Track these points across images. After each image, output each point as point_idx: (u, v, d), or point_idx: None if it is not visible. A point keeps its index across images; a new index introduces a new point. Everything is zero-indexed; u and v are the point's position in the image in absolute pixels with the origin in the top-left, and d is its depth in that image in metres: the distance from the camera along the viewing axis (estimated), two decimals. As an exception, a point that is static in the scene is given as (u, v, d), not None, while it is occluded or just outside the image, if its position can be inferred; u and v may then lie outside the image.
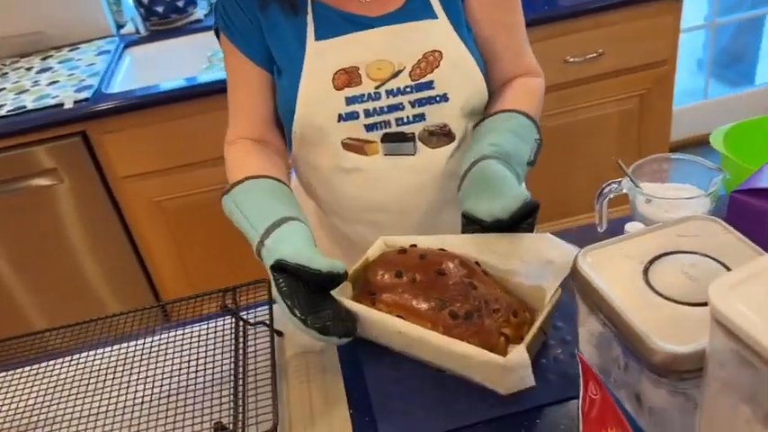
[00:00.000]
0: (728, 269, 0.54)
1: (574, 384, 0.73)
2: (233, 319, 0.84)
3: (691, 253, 0.56)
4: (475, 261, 0.80)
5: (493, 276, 0.79)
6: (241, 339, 0.82)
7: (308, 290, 0.73)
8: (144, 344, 0.84)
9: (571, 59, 1.81)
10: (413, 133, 0.92)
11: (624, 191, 0.88)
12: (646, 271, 0.55)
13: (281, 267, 0.72)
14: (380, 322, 0.77)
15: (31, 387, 0.82)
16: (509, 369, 0.68)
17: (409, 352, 0.78)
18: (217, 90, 1.67)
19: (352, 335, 0.75)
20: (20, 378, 0.84)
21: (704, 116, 2.64)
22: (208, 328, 0.84)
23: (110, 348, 0.85)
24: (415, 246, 0.84)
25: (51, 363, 0.85)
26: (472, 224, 0.81)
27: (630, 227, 0.80)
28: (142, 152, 1.75)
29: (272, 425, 0.66)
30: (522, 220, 0.78)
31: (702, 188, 0.88)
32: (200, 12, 2.10)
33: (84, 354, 0.85)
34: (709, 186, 0.86)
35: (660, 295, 0.52)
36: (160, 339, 0.84)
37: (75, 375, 0.82)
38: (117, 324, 0.86)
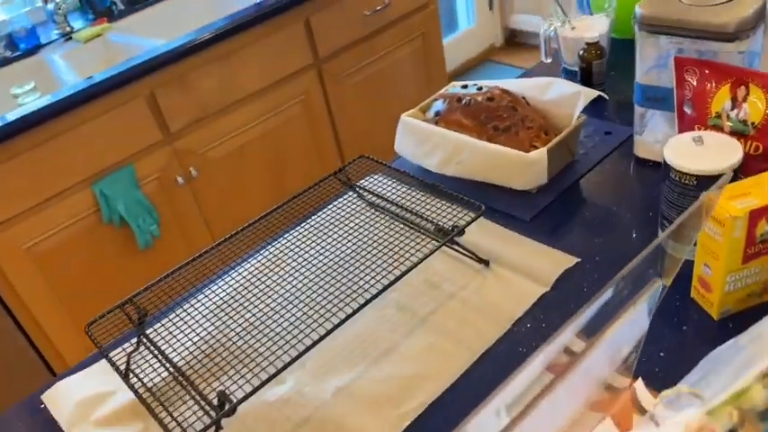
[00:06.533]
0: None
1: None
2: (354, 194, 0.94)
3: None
4: (522, 96, 1.02)
5: (534, 106, 1.02)
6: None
7: None
8: (289, 238, 0.89)
9: (367, 12, 2.10)
10: None
11: (555, 25, 1.18)
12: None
13: None
14: (439, 135, 0.98)
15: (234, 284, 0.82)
16: (529, 163, 0.91)
17: (457, 158, 0.97)
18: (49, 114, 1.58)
19: None
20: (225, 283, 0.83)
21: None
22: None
23: (269, 249, 0.88)
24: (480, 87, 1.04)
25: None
26: None
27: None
28: None
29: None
30: None
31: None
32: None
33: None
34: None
35: None
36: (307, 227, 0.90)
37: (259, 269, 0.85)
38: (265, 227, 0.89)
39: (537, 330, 0.76)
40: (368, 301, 0.74)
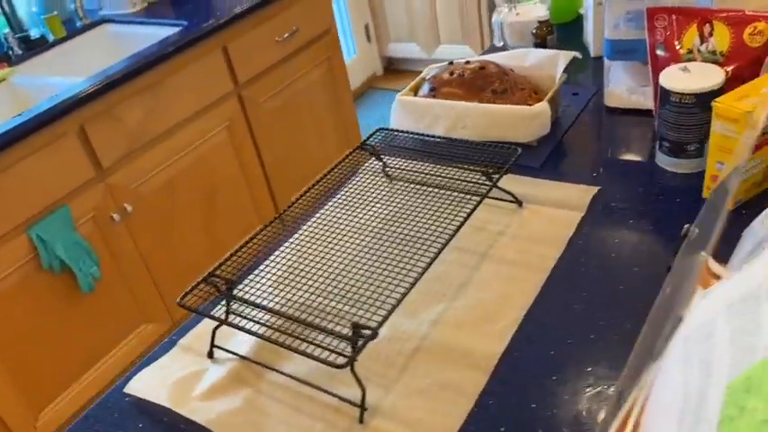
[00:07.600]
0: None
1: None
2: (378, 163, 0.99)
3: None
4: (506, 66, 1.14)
5: (518, 73, 1.13)
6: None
7: None
8: (322, 217, 0.92)
9: (278, 38, 2.16)
10: None
11: (503, 13, 1.33)
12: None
13: None
14: (440, 106, 1.07)
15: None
16: (534, 115, 1.04)
17: (462, 123, 1.07)
18: None
19: None
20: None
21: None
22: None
23: (315, 219, 0.90)
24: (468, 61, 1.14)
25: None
26: None
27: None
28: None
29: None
30: None
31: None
32: None
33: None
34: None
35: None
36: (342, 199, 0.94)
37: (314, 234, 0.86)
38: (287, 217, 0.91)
39: (588, 245, 0.86)
40: (452, 236, 0.80)
